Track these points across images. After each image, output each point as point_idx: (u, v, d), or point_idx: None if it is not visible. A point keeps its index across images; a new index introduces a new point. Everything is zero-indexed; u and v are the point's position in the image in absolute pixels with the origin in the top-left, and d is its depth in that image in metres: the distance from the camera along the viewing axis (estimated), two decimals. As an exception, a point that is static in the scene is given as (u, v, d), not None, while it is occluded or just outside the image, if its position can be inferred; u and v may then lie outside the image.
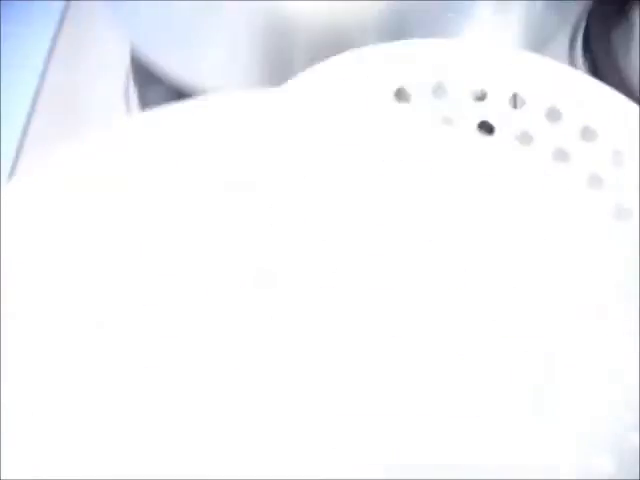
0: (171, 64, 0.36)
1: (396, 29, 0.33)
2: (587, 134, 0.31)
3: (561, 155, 0.31)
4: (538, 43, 0.37)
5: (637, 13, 0.50)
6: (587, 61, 0.47)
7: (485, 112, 0.32)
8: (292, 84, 0.30)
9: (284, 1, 0.32)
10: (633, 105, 0.31)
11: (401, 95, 0.31)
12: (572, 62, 0.47)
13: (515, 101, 0.32)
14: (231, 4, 0.32)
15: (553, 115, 0.31)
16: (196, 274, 0.29)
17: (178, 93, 0.35)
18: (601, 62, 0.46)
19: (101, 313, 0.28)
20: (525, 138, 0.32)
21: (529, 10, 0.35)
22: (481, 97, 0.32)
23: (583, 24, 0.48)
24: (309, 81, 0.30)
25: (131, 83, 0.43)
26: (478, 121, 0.32)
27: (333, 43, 0.33)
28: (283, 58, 0.33)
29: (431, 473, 0.27)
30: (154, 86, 0.39)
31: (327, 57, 0.33)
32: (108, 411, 0.28)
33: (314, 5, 0.32)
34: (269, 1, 0.32)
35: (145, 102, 0.43)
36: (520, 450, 0.28)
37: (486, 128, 0.32)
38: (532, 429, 0.28)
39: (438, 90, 0.31)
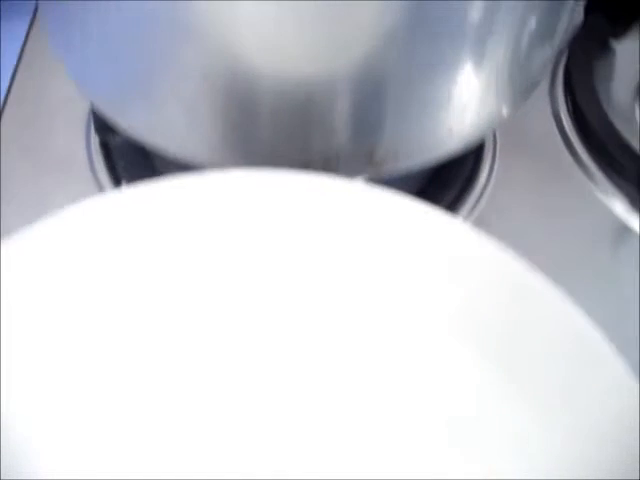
0: (132, 126, 0.34)
1: (368, 89, 0.31)
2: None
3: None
4: (524, 90, 0.36)
5: (618, 47, 0.49)
6: (568, 97, 0.46)
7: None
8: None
9: (246, 61, 0.30)
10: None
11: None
12: (553, 98, 0.46)
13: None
14: (190, 66, 0.30)
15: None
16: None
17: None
18: (581, 98, 0.45)
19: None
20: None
21: (513, 60, 0.33)
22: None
23: (564, 59, 0.47)
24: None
25: (92, 127, 0.42)
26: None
27: (299, 106, 0.31)
28: (247, 121, 0.32)
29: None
30: (115, 134, 0.37)
31: (292, 121, 0.31)
32: (108, 412, 0.28)
33: (279, 65, 0.30)
34: (230, 61, 0.30)
35: (106, 147, 0.42)
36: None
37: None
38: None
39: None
